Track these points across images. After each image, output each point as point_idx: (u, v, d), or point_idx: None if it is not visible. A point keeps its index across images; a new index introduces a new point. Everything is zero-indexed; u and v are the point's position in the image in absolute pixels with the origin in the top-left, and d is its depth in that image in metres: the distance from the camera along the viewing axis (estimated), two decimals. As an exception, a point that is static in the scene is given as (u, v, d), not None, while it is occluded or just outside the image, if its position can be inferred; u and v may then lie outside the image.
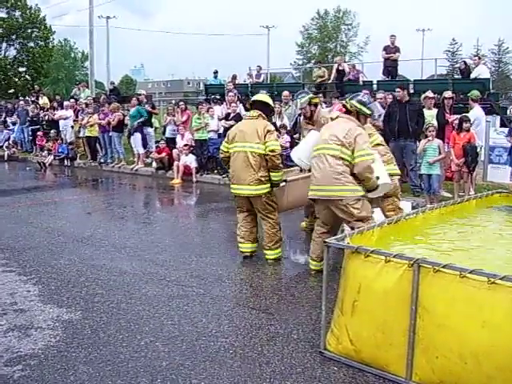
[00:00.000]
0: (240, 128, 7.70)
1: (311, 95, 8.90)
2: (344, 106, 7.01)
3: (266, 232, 7.75)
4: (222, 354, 4.86)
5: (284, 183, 7.75)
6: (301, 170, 8.88)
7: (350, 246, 4.67)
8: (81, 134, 19.82)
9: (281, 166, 7.58)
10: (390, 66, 20.20)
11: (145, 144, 17.70)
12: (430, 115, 12.38)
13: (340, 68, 20.78)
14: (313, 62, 58.56)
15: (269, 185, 7.51)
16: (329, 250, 4.83)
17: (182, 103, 17.75)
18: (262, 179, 7.42)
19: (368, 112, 6.86)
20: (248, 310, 5.91)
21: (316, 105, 8.83)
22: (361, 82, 20.30)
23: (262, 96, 8.46)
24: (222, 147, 7.99)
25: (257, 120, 7.59)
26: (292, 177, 8.35)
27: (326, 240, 4.89)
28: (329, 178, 6.53)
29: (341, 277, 4.87)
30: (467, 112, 12.72)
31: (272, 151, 7.33)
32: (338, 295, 4.90)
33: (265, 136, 7.37)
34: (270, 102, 8.03)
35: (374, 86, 18.96)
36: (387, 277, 4.35)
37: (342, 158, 6.47)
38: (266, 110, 7.82)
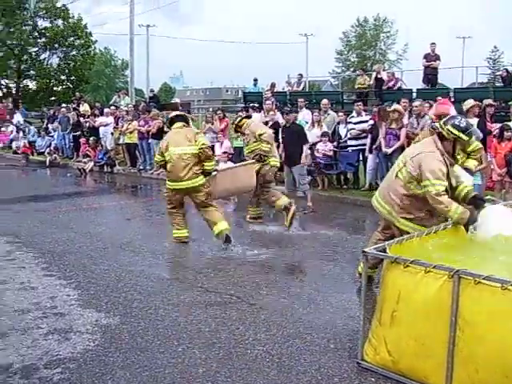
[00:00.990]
0: (171, 138, 9.41)
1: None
2: (438, 132, 6.13)
3: (210, 218, 9.39)
4: (259, 362, 4.86)
5: (215, 172, 9.65)
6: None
7: (388, 255, 4.62)
8: (120, 141, 20.07)
9: (212, 156, 9.55)
10: (430, 74, 20.00)
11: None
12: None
13: (378, 76, 20.65)
14: (351, 70, 58.48)
15: (202, 177, 9.19)
16: (367, 259, 4.79)
17: (220, 111, 17.87)
18: (197, 173, 9.11)
19: (466, 138, 6.01)
20: (285, 318, 5.88)
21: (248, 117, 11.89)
22: (397, 88, 20.17)
23: (179, 112, 11.05)
24: (157, 157, 9.73)
25: (182, 129, 9.41)
26: (222, 167, 10.98)
27: (365, 249, 4.85)
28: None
29: (379, 287, 4.83)
30: (509, 121, 12.49)
31: (203, 145, 9.13)
32: (376, 305, 4.85)
33: (195, 138, 9.19)
34: (184, 113, 11.15)
35: (414, 94, 18.75)
36: (427, 287, 4.29)
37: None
38: (187, 120, 9.83)
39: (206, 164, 9.18)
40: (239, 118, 11.40)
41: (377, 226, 7.03)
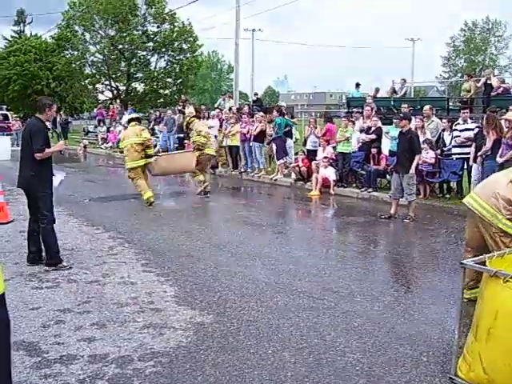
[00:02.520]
0: (127, 133, 13.99)
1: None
2: None
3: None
4: (349, 370, 4.81)
5: (156, 157, 14.41)
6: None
7: (487, 268, 4.45)
8: (224, 144, 20.41)
9: (151, 145, 14.29)
10: (545, 81, 19.08)
11: (284, 154, 17.89)
12: None
13: (488, 82, 19.89)
14: (459, 75, 56.79)
15: (145, 160, 13.62)
16: (465, 271, 4.64)
17: (323, 116, 17.84)
18: (141, 156, 13.50)
19: None
20: (378, 327, 5.79)
21: (197, 117, 16.00)
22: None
23: (134, 115, 16.24)
24: (120, 145, 13.37)
25: (134, 127, 13.71)
26: (161, 154, 17.25)
27: (463, 261, 4.70)
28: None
29: (477, 301, 4.67)
30: None
31: (145, 138, 13.52)
32: (472, 320, 4.69)
33: (140, 133, 13.50)
34: (139, 116, 17.05)
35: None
36: (528, 304, 4.11)
37: None
38: (139, 121, 14.73)
39: (147, 150, 13.66)
40: (188, 118, 16.21)
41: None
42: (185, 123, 15.64)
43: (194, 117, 15.69)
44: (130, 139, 13.36)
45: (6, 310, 3.82)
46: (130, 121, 14.26)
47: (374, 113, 16.44)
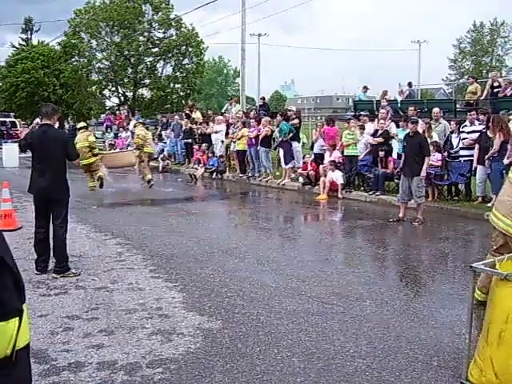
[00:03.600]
0: (78, 137, 15.91)
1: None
2: None
3: (100, 177, 16.28)
4: (358, 375, 4.77)
5: (101, 155, 16.82)
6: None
7: (498, 272, 4.41)
8: (232, 148, 20.43)
9: (96, 146, 16.80)
10: (553, 82, 18.95)
11: (291, 159, 17.87)
12: None
13: (495, 84, 19.79)
14: (466, 77, 56.57)
15: (94, 157, 16.08)
16: (475, 275, 4.60)
17: (329, 119, 17.82)
18: (90, 156, 15.86)
19: None
20: (387, 332, 5.75)
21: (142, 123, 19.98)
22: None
23: (82, 124, 17.89)
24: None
25: (83, 133, 16.23)
26: (105, 152, 20.13)
27: (473, 265, 4.66)
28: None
29: (487, 304, 4.62)
30: None
31: (90, 141, 15.93)
32: (483, 323, 4.64)
33: (88, 138, 16.00)
34: (86, 124, 18.85)
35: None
36: (538, 308, 4.06)
37: None
38: (87, 128, 17.46)
39: (93, 151, 16.08)
40: (134, 123, 21.72)
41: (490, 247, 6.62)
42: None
43: (139, 123, 19.70)
44: (81, 143, 15.68)
45: (29, 366, 2.38)
46: (80, 128, 16.90)
47: (389, 116, 16.38)
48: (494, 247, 6.25)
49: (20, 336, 1.99)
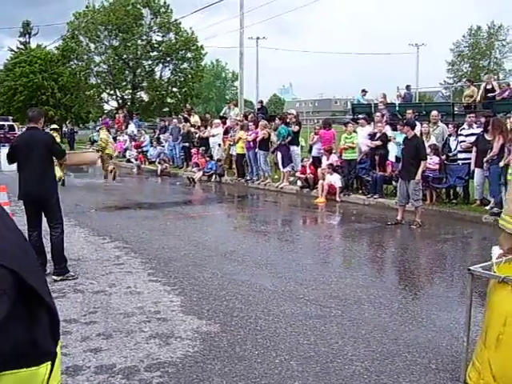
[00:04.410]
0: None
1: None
2: None
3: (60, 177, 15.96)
4: (357, 379, 4.76)
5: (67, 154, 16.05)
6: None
7: (495, 275, 4.41)
8: (231, 152, 20.46)
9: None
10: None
11: (289, 162, 17.87)
12: None
13: (488, 87, 19.80)
14: (463, 80, 56.64)
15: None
16: (473, 278, 4.60)
17: (326, 122, 17.86)
18: None
19: None
20: (386, 335, 5.75)
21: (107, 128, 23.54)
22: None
23: (54, 126, 20.93)
24: None
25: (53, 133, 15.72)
26: (70, 152, 20.19)
27: (471, 267, 4.66)
28: None
29: (485, 307, 4.63)
30: None
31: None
32: (481, 326, 4.65)
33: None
34: (56, 126, 22.60)
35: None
36: (536, 311, 4.07)
37: None
38: (56, 130, 18.95)
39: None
40: (99, 127, 22.70)
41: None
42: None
43: (102, 127, 22.61)
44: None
45: None
46: (51, 129, 18.74)
47: (384, 119, 16.39)
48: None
49: (52, 378, 1.77)
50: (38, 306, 1.67)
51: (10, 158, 8.19)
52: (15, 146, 8.21)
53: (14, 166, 8.32)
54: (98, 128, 35.19)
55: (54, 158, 8.22)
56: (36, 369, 1.65)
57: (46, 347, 1.70)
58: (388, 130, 16.13)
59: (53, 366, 1.70)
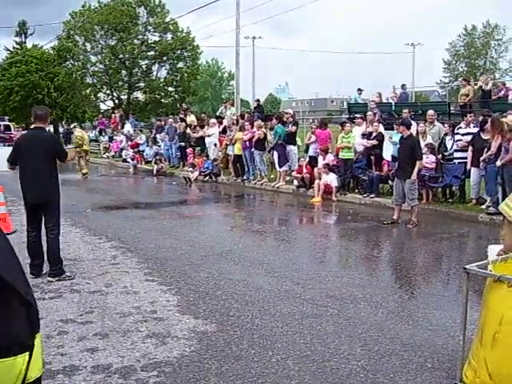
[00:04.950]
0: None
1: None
2: None
3: None
4: (353, 378, 4.77)
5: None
6: None
7: (491, 273, 4.42)
8: (229, 151, 20.45)
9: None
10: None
11: (285, 162, 17.87)
12: None
13: (486, 88, 19.85)
14: (459, 79, 56.74)
15: None
16: (468, 276, 4.61)
17: (322, 122, 17.87)
18: None
19: None
20: (382, 334, 5.76)
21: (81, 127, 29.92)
22: (510, 101, 19.27)
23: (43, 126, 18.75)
24: None
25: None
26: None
27: (467, 266, 4.67)
28: None
29: (481, 306, 4.63)
30: None
31: None
32: (478, 325, 4.66)
33: None
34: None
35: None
36: (533, 309, 4.07)
37: None
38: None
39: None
40: (73, 125, 26.63)
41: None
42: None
43: (77, 126, 25.79)
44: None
45: None
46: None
47: (376, 118, 16.40)
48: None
49: (31, 369, 1.77)
50: (15, 300, 1.70)
51: (12, 159, 8.14)
52: (18, 147, 8.13)
53: (5, 166, 8.30)
54: (98, 128, 35.39)
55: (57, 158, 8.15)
56: (13, 359, 1.67)
57: (22, 339, 1.73)
58: (381, 129, 16.14)
59: (30, 356, 1.73)
